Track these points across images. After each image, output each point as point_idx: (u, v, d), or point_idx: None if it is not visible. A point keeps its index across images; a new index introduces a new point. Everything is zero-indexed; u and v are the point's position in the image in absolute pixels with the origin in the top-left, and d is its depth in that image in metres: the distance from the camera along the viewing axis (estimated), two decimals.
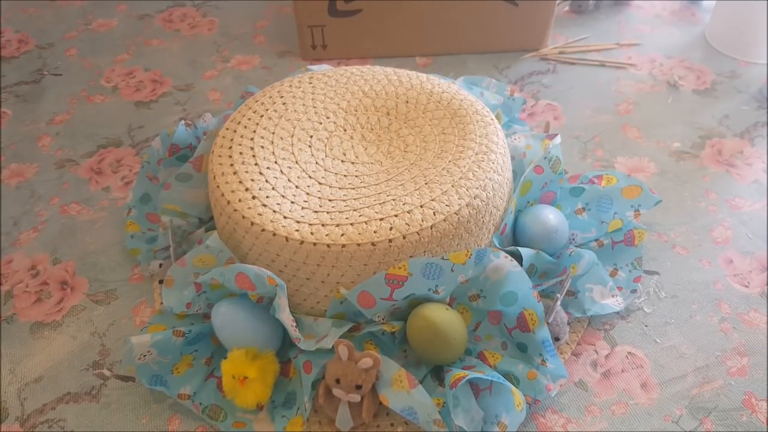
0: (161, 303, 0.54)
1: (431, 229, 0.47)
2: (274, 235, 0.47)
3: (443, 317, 0.47)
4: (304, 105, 0.59)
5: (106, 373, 0.52)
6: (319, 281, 0.48)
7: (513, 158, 0.58)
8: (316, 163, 0.54)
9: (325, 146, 0.56)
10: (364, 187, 0.51)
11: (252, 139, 0.55)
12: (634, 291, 0.55)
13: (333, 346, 0.45)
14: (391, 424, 0.48)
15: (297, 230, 0.47)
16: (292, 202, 0.49)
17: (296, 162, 0.54)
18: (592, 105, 0.78)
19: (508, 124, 0.68)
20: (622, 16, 0.94)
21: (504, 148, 0.55)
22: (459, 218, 0.48)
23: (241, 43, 0.90)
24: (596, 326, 0.55)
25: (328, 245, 0.46)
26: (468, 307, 0.51)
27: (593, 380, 0.51)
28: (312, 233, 0.47)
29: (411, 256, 0.47)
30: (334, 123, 0.58)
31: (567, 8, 0.95)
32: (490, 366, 0.49)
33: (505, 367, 0.48)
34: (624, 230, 0.58)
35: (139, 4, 0.98)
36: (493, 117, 0.57)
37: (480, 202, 0.50)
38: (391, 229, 0.47)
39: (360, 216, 0.48)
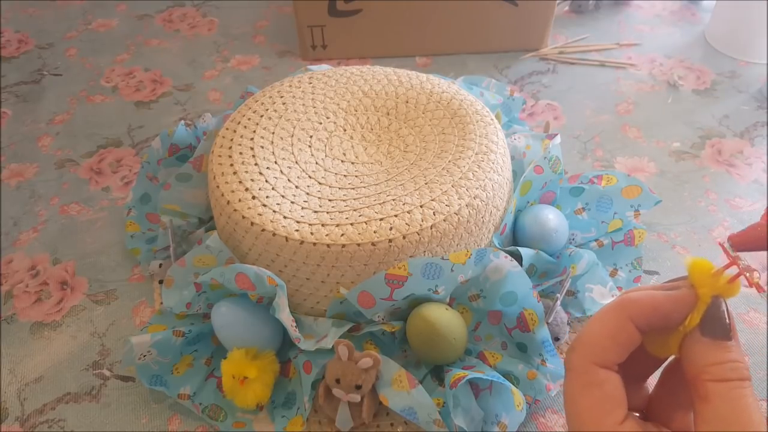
0: (161, 303, 0.54)
1: (431, 229, 0.47)
2: (274, 235, 0.47)
3: (443, 317, 0.47)
4: (304, 105, 0.59)
5: (106, 373, 0.52)
6: (319, 281, 0.48)
7: (513, 158, 0.58)
8: (316, 163, 0.54)
9: (325, 146, 0.56)
10: (364, 187, 0.51)
11: (252, 139, 0.55)
12: None
13: (333, 346, 0.45)
14: (391, 424, 0.48)
15: (297, 230, 0.47)
16: (292, 202, 0.49)
17: (296, 162, 0.54)
18: (592, 105, 0.78)
19: (508, 124, 0.68)
20: (622, 16, 0.94)
21: (504, 148, 0.55)
22: (459, 218, 0.48)
23: (241, 43, 0.90)
24: None
25: (328, 245, 0.46)
26: (468, 307, 0.51)
27: None
28: (312, 233, 0.47)
29: (411, 256, 0.47)
30: (334, 123, 0.58)
31: (567, 8, 0.95)
32: (490, 366, 0.49)
33: (505, 367, 0.48)
34: (624, 230, 0.58)
35: (139, 4, 0.99)
36: (493, 117, 0.57)
37: (480, 202, 0.50)
38: (391, 229, 0.47)
39: (360, 216, 0.48)
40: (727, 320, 0.26)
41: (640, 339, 0.27)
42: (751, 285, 0.26)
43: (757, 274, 0.26)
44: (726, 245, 0.28)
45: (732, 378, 0.25)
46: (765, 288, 0.26)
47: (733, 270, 0.26)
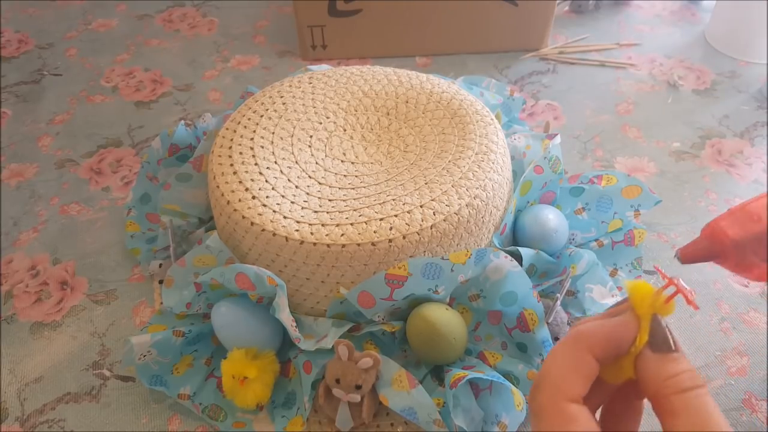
0: (161, 303, 0.54)
1: (431, 229, 0.47)
2: (274, 235, 0.47)
3: (443, 317, 0.47)
4: (304, 105, 0.59)
5: (106, 373, 0.52)
6: (319, 281, 0.48)
7: (513, 158, 0.58)
8: (316, 163, 0.54)
9: (325, 146, 0.56)
10: (364, 187, 0.51)
11: (252, 139, 0.55)
12: None
13: (333, 346, 0.45)
14: (391, 424, 0.48)
15: (297, 230, 0.47)
16: (292, 202, 0.49)
17: (296, 162, 0.54)
18: (592, 105, 0.78)
19: (508, 124, 0.68)
20: (622, 16, 0.94)
21: (504, 148, 0.55)
22: (459, 218, 0.48)
23: (241, 43, 0.90)
24: None
25: (328, 245, 0.46)
26: (468, 307, 0.51)
27: None
28: (312, 233, 0.47)
29: (411, 256, 0.47)
30: (334, 123, 0.58)
31: (567, 8, 0.95)
32: (490, 366, 0.49)
33: (505, 367, 0.48)
34: (624, 230, 0.58)
35: (139, 4, 0.99)
36: (493, 117, 0.57)
37: (480, 202, 0.50)
38: (391, 229, 0.47)
39: (360, 216, 0.48)
40: (669, 334, 0.27)
41: (598, 370, 0.27)
42: (688, 302, 0.27)
43: (692, 293, 0.28)
44: (661, 267, 0.30)
45: (692, 387, 0.25)
46: (698, 306, 0.27)
47: (671, 290, 0.27)
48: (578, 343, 0.27)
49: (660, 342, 0.27)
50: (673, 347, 0.27)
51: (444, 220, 0.48)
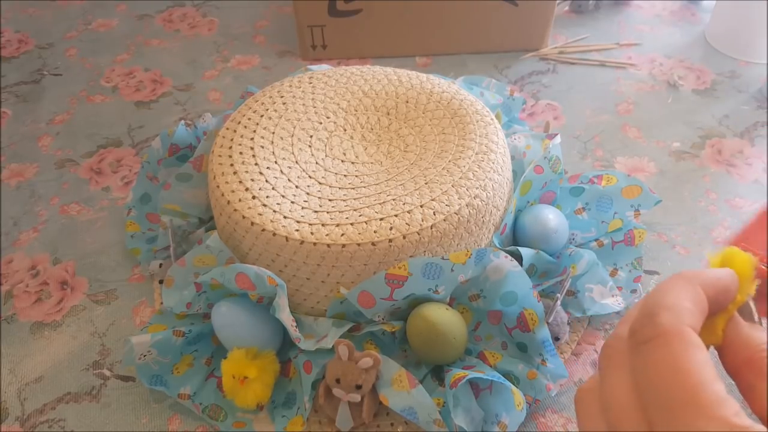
0: (161, 303, 0.54)
1: (431, 228, 0.47)
2: (274, 235, 0.47)
3: (443, 317, 0.47)
4: (304, 105, 0.59)
5: (106, 373, 0.52)
6: (319, 281, 0.48)
7: (513, 158, 0.58)
8: (316, 163, 0.54)
9: (325, 146, 0.56)
10: (364, 187, 0.51)
11: (252, 139, 0.55)
12: (634, 291, 0.55)
13: (333, 346, 0.45)
14: (391, 424, 0.48)
15: (297, 230, 0.47)
16: (292, 202, 0.49)
17: (296, 162, 0.54)
18: (592, 105, 0.78)
19: (508, 124, 0.68)
20: (622, 16, 0.94)
21: (504, 148, 0.55)
22: (459, 218, 0.48)
23: (241, 43, 0.90)
24: (596, 326, 0.55)
25: (328, 245, 0.46)
26: (468, 307, 0.51)
27: None
28: (312, 233, 0.47)
29: (411, 256, 0.47)
30: (334, 123, 0.58)
31: (567, 8, 0.95)
32: (490, 366, 0.49)
33: (505, 366, 0.48)
34: (624, 230, 0.58)
35: (139, 4, 0.99)
36: (493, 117, 0.57)
37: (480, 202, 0.50)
38: (391, 228, 0.47)
39: (360, 216, 0.48)
40: (754, 306, 0.27)
41: (706, 314, 0.25)
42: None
43: None
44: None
45: None
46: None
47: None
48: (689, 279, 0.25)
49: (749, 312, 0.27)
50: (757, 319, 0.27)
51: (444, 220, 0.48)
